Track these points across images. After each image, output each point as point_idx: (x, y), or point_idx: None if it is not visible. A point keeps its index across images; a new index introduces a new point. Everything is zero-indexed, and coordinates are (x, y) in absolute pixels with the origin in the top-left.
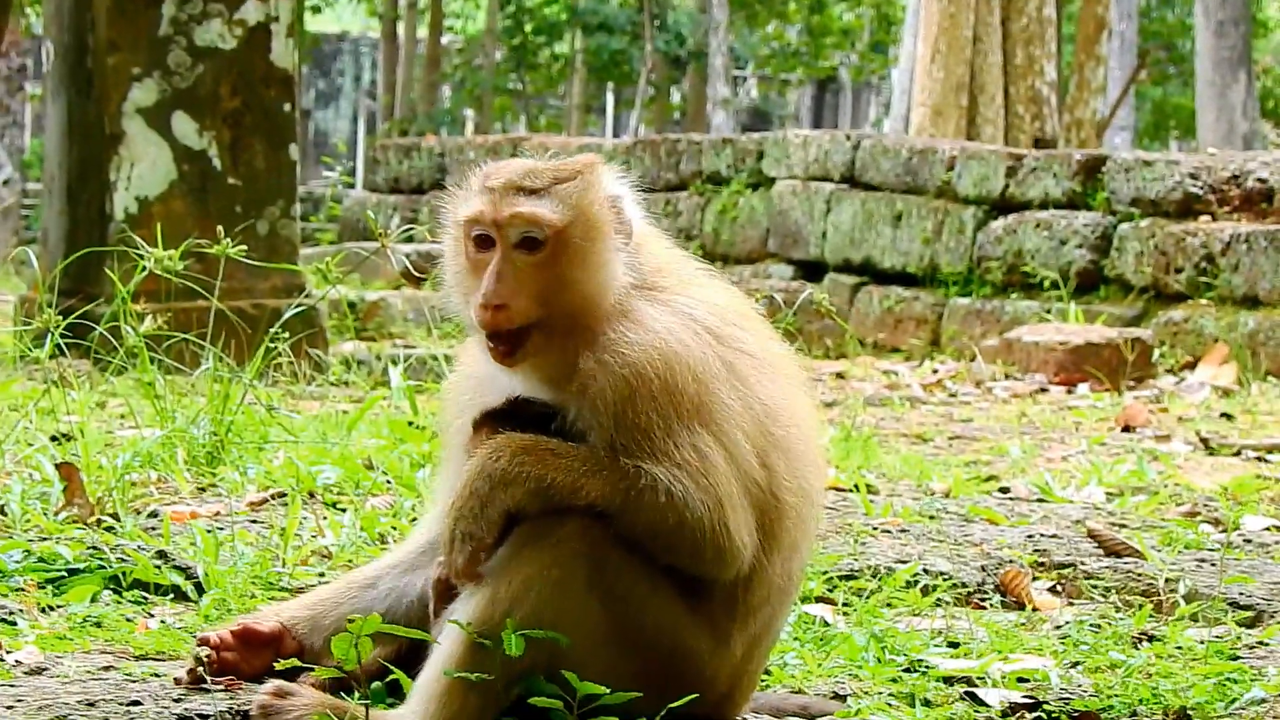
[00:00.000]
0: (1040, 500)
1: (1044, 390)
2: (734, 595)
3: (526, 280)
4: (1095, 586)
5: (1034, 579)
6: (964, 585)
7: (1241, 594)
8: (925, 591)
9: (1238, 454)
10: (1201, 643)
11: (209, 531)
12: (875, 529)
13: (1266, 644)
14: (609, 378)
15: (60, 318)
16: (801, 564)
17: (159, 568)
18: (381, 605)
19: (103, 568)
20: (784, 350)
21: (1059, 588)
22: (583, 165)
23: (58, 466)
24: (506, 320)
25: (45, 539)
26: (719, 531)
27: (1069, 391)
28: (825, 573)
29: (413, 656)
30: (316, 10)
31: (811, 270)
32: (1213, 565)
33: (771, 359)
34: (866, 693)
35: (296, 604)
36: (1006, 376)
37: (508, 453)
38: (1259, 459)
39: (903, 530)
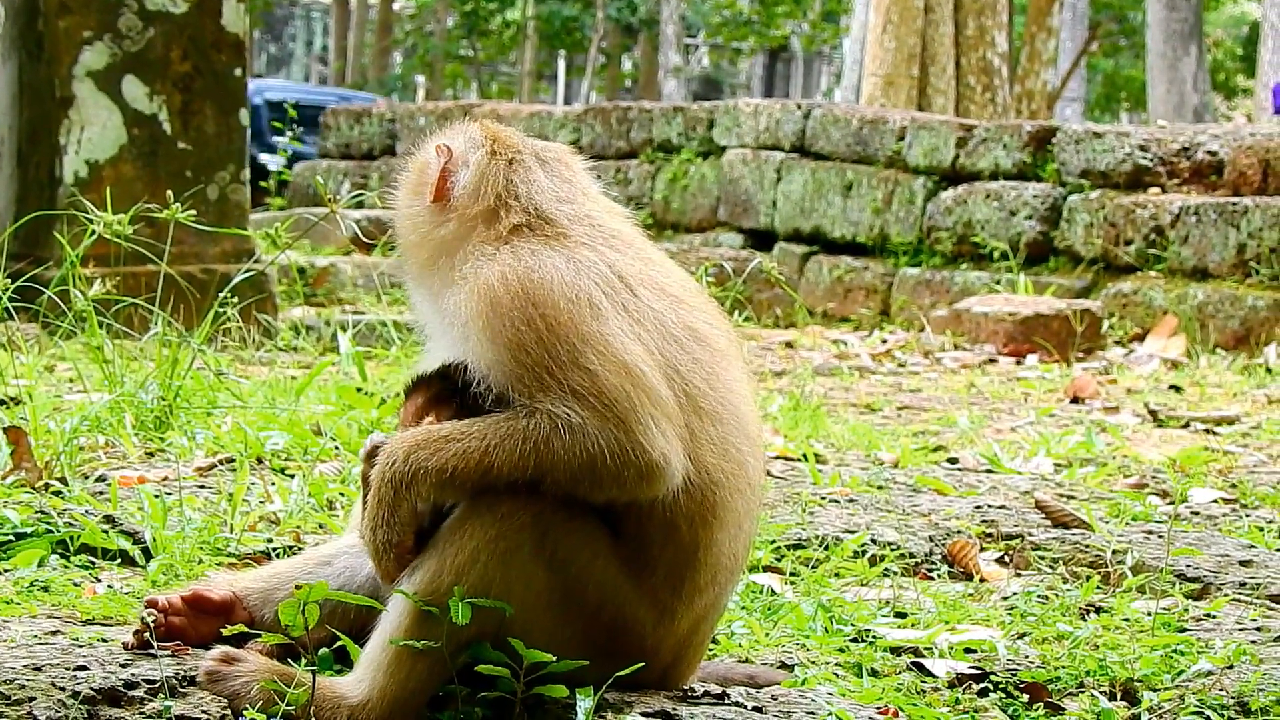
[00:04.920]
0: (988, 471)
1: (993, 361)
2: (679, 573)
3: None
4: (1043, 558)
5: (982, 550)
6: (912, 555)
7: (1189, 566)
8: (873, 561)
9: (1186, 426)
10: (1148, 615)
11: (157, 497)
12: (823, 498)
13: (1213, 616)
14: (465, 299)
15: (9, 281)
16: (747, 542)
17: (106, 533)
18: (335, 582)
19: (50, 532)
20: (712, 323)
21: (1007, 558)
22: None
23: (5, 430)
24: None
25: None
26: (631, 449)
27: (1018, 362)
28: (773, 542)
29: (363, 631)
30: None
31: (761, 239)
32: (1160, 537)
33: (686, 325)
34: (814, 662)
35: (250, 575)
36: (955, 347)
37: (401, 453)
38: (1207, 431)
39: (851, 500)
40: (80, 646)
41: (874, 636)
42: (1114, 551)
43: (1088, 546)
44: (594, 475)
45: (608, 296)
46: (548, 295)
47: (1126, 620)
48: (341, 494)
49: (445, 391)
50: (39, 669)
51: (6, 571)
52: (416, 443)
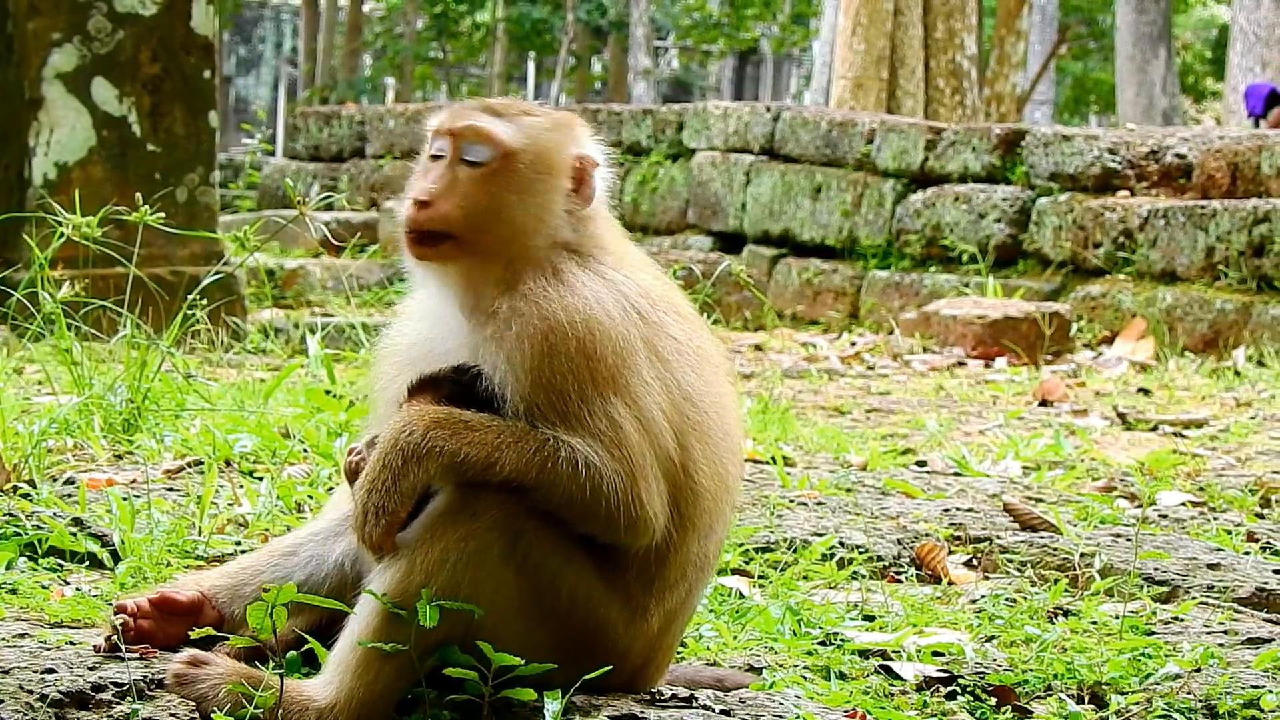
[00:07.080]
0: (957, 474)
1: (962, 364)
2: (649, 570)
3: (461, 190)
4: (1011, 560)
5: (950, 553)
6: (880, 558)
7: (1156, 569)
8: (841, 564)
9: (1154, 429)
10: (1116, 618)
11: (125, 499)
12: (792, 501)
13: (1181, 619)
14: (528, 329)
15: None
16: (718, 544)
17: (75, 535)
18: (302, 573)
19: (18, 535)
20: (710, 340)
21: (975, 561)
22: (560, 115)
23: None
24: (428, 219)
25: None
26: (632, 502)
27: (987, 365)
28: (742, 545)
29: (332, 626)
30: None
31: (730, 242)
32: (1128, 540)
33: (697, 347)
34: (782, 665)
35: (217, 573)
36: (924, 350)
37: (420, 426)
38: (1175, 434)
39: (819, 503)
40: (48, 649)
41: (842, 639)
42: (1082, 554)
43: (1056, 549)
44: (588, 510)
45: (643, 336)
46: (599, 348)
47: (1094, 623)
48: (310, 496)
49: (455, 393)
50: (6, 672)
51: None
52: (436, 419)
